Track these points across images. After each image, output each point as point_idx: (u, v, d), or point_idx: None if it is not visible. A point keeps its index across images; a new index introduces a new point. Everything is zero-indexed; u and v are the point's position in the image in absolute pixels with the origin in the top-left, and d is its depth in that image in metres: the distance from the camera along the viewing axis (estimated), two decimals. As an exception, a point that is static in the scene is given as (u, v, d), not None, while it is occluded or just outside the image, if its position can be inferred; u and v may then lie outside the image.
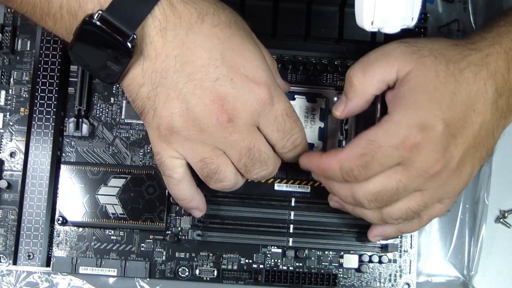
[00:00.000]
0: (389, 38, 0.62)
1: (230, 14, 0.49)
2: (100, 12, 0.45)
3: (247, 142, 0.49)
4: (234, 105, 0.48)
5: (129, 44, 0.46)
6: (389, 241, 0.63)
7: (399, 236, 0.64)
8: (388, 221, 0.55)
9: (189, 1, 0.47)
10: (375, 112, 0.53)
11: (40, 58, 0.63)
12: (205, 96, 0.47)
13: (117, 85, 0.65)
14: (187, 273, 0.63)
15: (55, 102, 0.62)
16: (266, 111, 0.49)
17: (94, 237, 0.63)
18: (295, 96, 0.63)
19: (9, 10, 0.65)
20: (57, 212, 0.62)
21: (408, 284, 0.65)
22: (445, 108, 0.49)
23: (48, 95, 0.62)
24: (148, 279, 0.64)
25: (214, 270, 0.64)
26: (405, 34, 0.61)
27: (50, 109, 0.62)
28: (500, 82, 0.52)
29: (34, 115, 0.62)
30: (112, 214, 0.62)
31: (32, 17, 0.49)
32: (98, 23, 0.45)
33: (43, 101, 0.62)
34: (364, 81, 0.51)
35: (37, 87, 0.62)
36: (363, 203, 0.52)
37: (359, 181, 0.51)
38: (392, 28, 0.48)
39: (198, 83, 0.47)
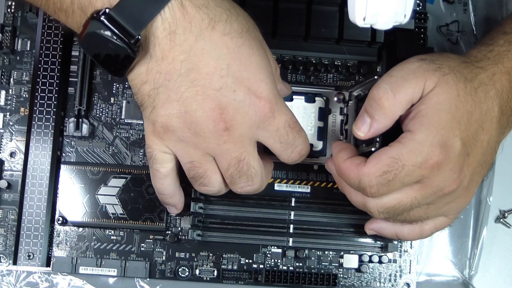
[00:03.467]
0: (390, 39, 0.63)
1: (243, 21, 0.49)
2: (107, 10, 0.45)
3: (238, 153, 0.49)
4: (233, 116, 0.48)
5: (133, 44, 0.46)
6: (389, 241, 0.63)
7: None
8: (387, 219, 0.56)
9: (202, 6, 0.47)
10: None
11: (40, 58, 0.63)
12: (205, 103, 0.47)
13: (117, 85, 0.65)
14: (187, 273, 0.63)
15: (55, 102, 0.62)
16: (265, 124, 0.49)
17: (94, 237, 0.63)
18: (294, 96, 0.63)
19: (9, 10, 0.65)
20: (57, 212, 0.62)
21: (408, 284, 0.65)
22: (463, 128, 0.50)
23: (48, 95, 0.62)
24: (148, 279, 0.64)
25: (214, 270, 0.64)
26: (406, 35, 0.62)
27: (50, 109, 0.62)
28: (504, 101, 0.53)
29: (34, 115, 0.62)
30: (112, 214, 0.62)
31: (46, 11, 0.50)
32: (104, 21, 0.45)
33: (43, 101, 0.62)
34: (395, 102, 0.50)
35: (37, 87, 0.62)
36: (373, 213, 0.53)
37: (374, 197, 0.52)
38: (384, 24, 0.47)
39: (201, 90, 0.47)
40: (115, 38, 0.46)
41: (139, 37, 0.46)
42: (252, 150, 0.50)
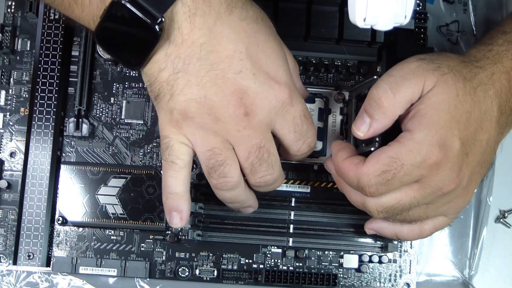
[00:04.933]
0: (390, 39, 0.63)
1: (257, 10, 0.50)
2: None
3: (258, 140, 0.49)
4: (253, 100, 0.48)
5: (157, 27, 0.45)
6: (389, 241, 0.63)
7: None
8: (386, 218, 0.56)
9: None
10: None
11: (40, 58, 0.63)
12: (225, 87, 0.47)
13: (117, 85, 0.65)
14: (187, 273, 0.63)
15: (55, 102, 0.62)
16: (284, 111, 0.49)
17: (94, 237, 0.63)
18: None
19: (9, 10, 0.65)
20: (57, 212, 0.62)
21: (408, 284, 0.65)
22: (462, 127, 0.50)
23: (48, 95, 0.62)
24: (148, 279, 0.64)
25: (214, 270, 0.64)
26: (406, 35, 0.62)
27: (50, 109, 0.62)
28: (503, 101, 0.53)
29: (34, 115, 0.62)
30: (112, 214, 0.62)
31: (60, 6, 0.49)
32: (127, 4, 0.45)
33: (43, 101, 0.62)
34: (394, 102, 0.50)
35: (37, 87, 0.62)
36: (373, 212, 0.53)
37: (373, 197, 0.52)
38: (384, 25, 0.47)
39: (220, 73, 0.47)
40: (138, 21, 0.45)
41: (163, 19, 0.45)
42: (270, 137, 0.50)
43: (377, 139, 0.53)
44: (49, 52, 0.63)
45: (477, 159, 0.52)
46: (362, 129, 0.51)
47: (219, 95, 0.47)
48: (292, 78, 0.50)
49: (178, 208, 0.52)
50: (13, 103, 0.65)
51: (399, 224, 0.57)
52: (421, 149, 0.49)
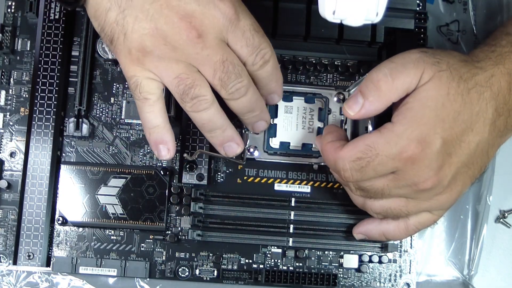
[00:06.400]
0: (390, 39, 0.63)
1: None
2: None
3: (219, 56, 0.50)
4: (201, 21, 0.49)
5: None
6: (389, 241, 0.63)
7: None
8: (368, 211, 0.57)
9: None
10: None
11: (40, 58, 0.63)
12: (172, 15, 0.49)
13: (117, 85, 0.65)
14: (187, 273, 0.63)
15: (55, 102, 0.62)
16: (233, 27, 0.50)
17: (94, 237, 0.63)
18: (294, 96, 0.63)
19: (9, 10, 0.65)
20: (57, 212, 0.62)
21: (408, 284, 0.65)
22: (447, 127, 0.50)
23: (48, 95, 0.62)
24: (148, 279, 0.64)
25: (214, 270, 0.64)
26: (406, 35, 0.62)
27: (50, 109, 0.62)
28: (501, 103, 0.53)
29: (34, 115, 0.62)
30: (112, 214, 0.62)
31: None
32: None
33: (43, 101, 0.62)
34: (392, 87, 0.50)
35: (37, 87, 0.62)
36: (350, 188, 0.55)
37: (349, 181, 0.53)
38: (354, 20, 0.46)
39: (164, 3, 0.49)
40: None
41: None
42: (229, 50, 0.51)
43: (370, 121, 0.54)
44: (49, 52, 0.63)
45: (463, 160, 0.52)
46: (354, 108, 0.52)
47: (169, 24, 0.49)
48: None
49: (163, 140, 0.54)
50: (13, 103, 0.65)
51: (385, 222, 0.57)
52: (398, 141, 0.50)
